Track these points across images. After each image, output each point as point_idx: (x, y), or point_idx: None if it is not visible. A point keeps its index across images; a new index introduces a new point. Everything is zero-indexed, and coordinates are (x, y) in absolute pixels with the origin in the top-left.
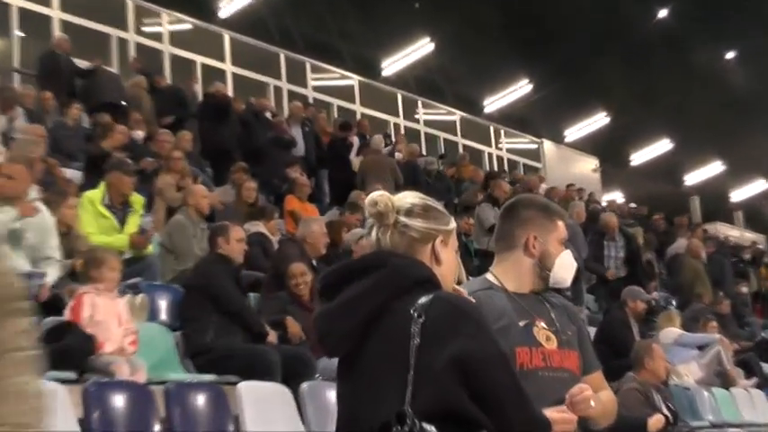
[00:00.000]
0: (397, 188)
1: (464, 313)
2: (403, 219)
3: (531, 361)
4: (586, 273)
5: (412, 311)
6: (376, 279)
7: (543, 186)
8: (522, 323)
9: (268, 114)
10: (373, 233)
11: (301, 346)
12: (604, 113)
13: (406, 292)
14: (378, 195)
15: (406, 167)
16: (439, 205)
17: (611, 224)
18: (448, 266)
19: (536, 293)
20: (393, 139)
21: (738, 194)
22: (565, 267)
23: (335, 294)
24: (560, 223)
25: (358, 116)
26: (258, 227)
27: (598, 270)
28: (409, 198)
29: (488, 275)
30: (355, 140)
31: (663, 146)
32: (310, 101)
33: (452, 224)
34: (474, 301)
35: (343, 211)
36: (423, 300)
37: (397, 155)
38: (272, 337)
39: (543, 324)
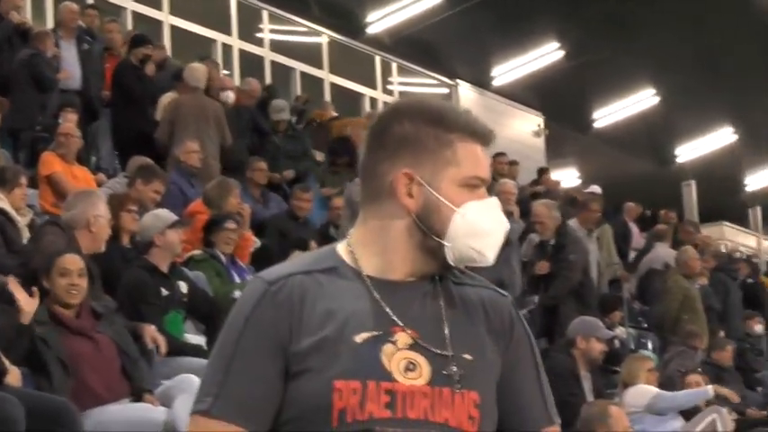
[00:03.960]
0: (224, 149)
1: None
2: None
3: (363, 407)
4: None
5: None
6: None
7: None
8: (360, 337)
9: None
10: None
11: (60, 393)
12: (556, 46)
13: None
14: None
15: (240, 115)
16: None
17: (543, 215)
18: None
19: (427, 279)
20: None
21: (756, 180)
22: (478, 230)
23: None
24: (467, 147)
25: (166, 31)
26: None
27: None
28: None
29: (339, 246)
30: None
31: (644, 101)
32: None
33: None
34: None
35: (133, 180)
36: None
37: (228, 95)
38: (15, 376)
39: (412, 338)
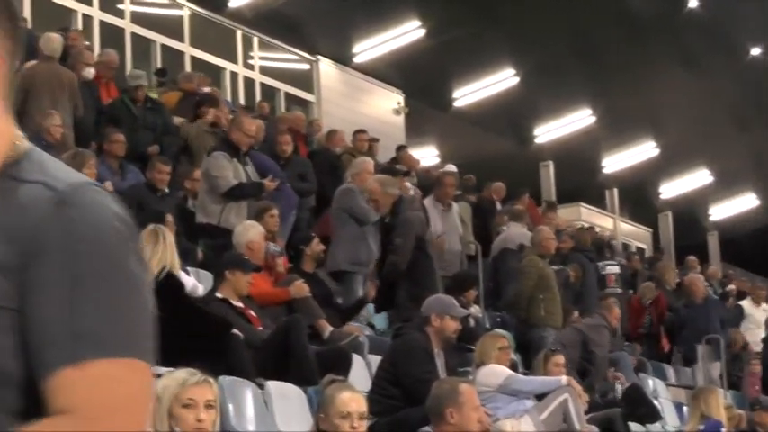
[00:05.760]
0: (77, 120)
1: None
2: None
3: None
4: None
5: None
6: None
7: (321, 132)
8: None
9: None
10: None
11: None
12: (417, 24)
13: None
14: None
15: (92, 87)
16: None
17: (376, 192)
18: None
19: None
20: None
21: (613, 162)
22: None
23: None
24: None
25: (26, 1)
26: None
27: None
28: None
29: None
30: None
31: (504, 81)
32: None
33: None
34: None
35: None
36: None
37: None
38: None
39: None
